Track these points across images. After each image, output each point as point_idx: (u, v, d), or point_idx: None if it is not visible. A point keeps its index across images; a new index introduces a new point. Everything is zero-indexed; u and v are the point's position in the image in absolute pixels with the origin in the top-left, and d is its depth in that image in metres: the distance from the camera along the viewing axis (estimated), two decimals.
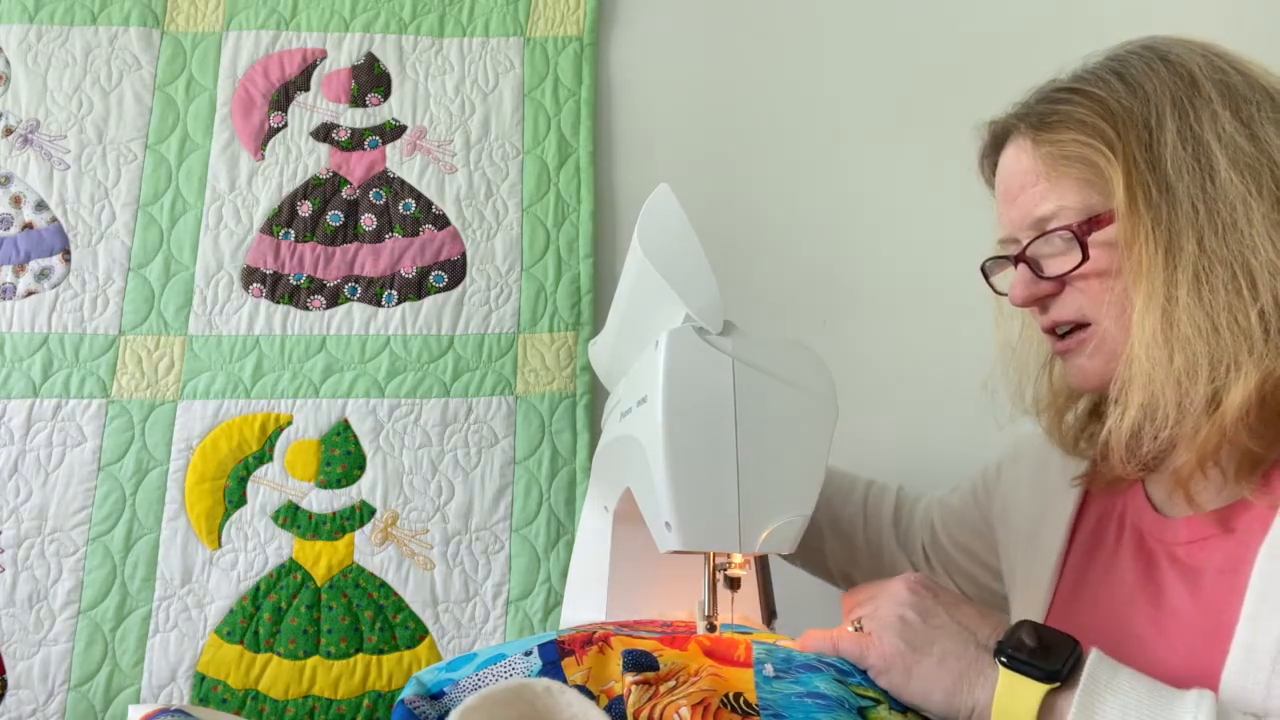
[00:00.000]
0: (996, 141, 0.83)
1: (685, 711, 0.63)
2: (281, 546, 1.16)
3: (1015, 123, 0.79)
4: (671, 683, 0.67)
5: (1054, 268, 0.75)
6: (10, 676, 1.10)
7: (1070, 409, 0.84)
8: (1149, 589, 0.75)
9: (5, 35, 1.27)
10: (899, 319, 1.29)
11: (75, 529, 1.14)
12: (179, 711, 0.78)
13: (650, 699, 0.65)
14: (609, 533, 0.92)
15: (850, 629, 0.72)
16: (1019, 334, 0.87)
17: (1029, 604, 0.85)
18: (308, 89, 1.29)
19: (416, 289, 1.24)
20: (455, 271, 1.25)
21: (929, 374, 1.28)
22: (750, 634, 0.76)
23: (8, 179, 1.24)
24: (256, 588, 1.14)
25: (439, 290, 1.24)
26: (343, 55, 1.30)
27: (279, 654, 1.12)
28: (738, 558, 0.72)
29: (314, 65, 1.30)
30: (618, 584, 0.90)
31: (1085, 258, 0.72)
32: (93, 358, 1.19)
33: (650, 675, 0.66)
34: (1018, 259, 0.78)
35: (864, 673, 0.71)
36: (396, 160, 1.27)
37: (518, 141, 1.29)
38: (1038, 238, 0.75)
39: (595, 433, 1.19)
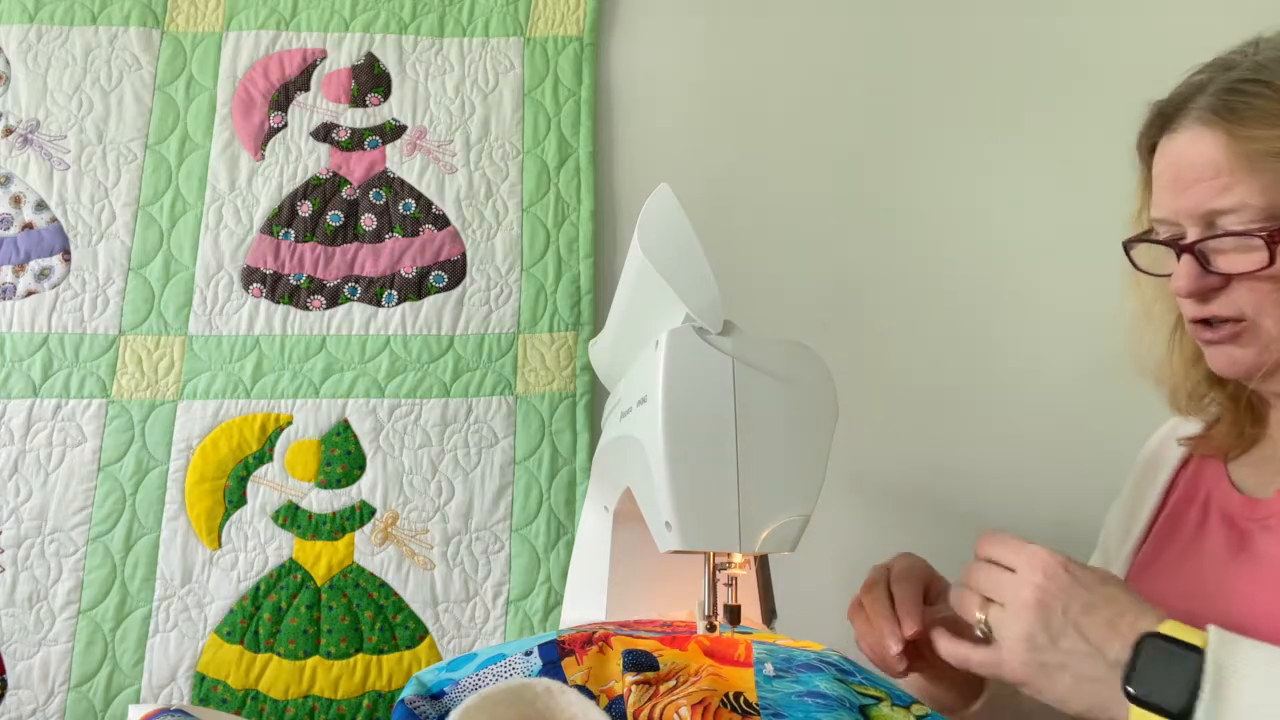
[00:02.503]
0: (1165, 122, 0.79)
1: (685, 711, 0.63)
2: (281, 546, 1.16)
3: (1200, 110, 0.75)
4: (671, 683, 0.67)
5: (1227, 265, 0.73)
6: (10, 676, 1.10)
7: (1190, 377, 0.86)
8: (1242, 556, 0.77)
9: (5, 35, 1.27)
10: (899, 319, 1.29)
11: (75, 529, 1.14)
12: (179, 711, 0.78)
13: (650, 699, 0.65)
14: (609, 533, 0.92)
15: (980, 627, 0.68)
16: (1149, 306, 0.87)
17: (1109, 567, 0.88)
18: (308, 89, 1.29)
19: (416, 289, 1.24)
20: (455, 271, 1.25)
21: (929, 374, 1.28)
22: (750, 634, 0.76)
23: (8, 179, 1.24)
24: (256, 588, 1.14)
25: (439, 290, 1.24)
26: (343, 55, 1.30)
27: (279, 654, 1.12)
28: (738, 558, 0.72)
29: (314, 65, 1.30)
30: (618, 584, 0.90)
31: (1272, 262, 0.71)
32: (93, 358, 1.19)
33: (650, 675, 0.66)
34: (1185, 250, 0.75)
35: (866, 671, 0.71)
36: (396, 160, 1.27)
37: (518, 141, 1.29)
38: (1214, 236, 0.73)
39: (595, 433, 1.19)
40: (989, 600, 0.68)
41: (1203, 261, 0.74)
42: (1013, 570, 0.67)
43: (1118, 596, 0.66)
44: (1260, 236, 0.70)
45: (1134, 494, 0.94)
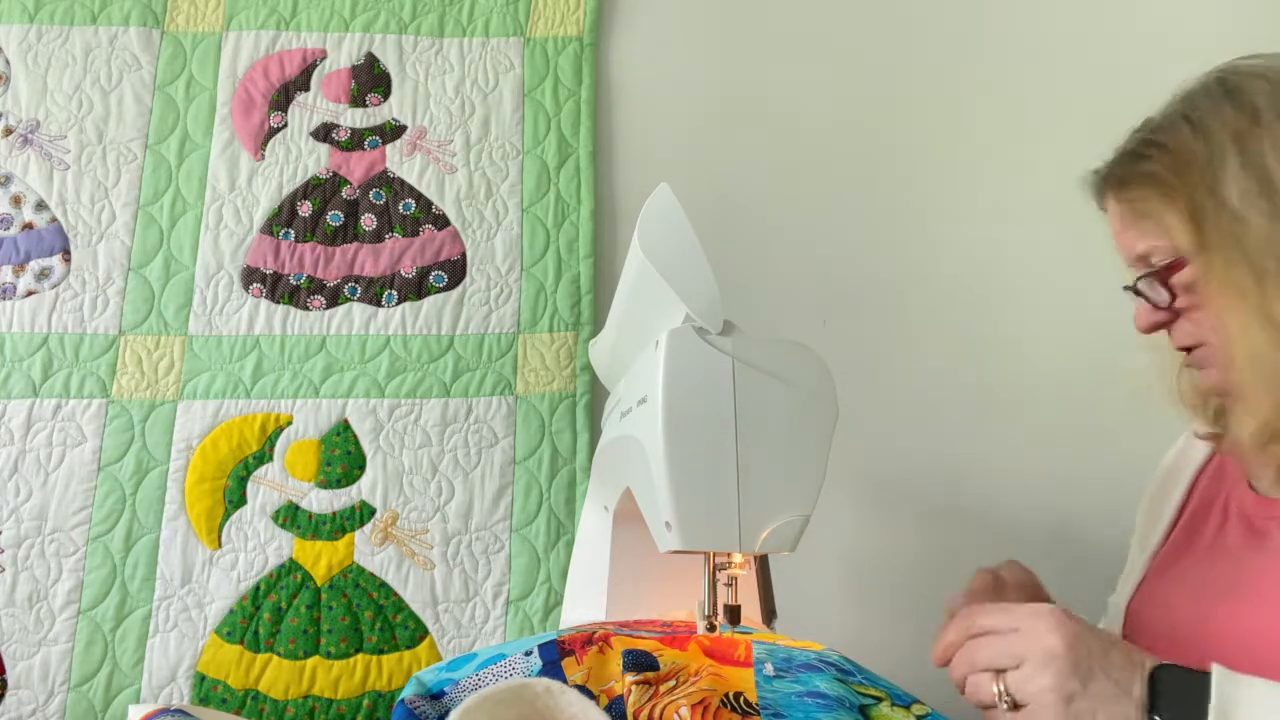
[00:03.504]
0: (1100, 190, 0.88)
1: (685, 711, 0.63)
2: (281, 546, 1.16)
3: (1100, 181, 0.86)
4: (671, 683, 0.67)
5: (1159, 299, 0.81)
6: (10, 676, 1.10)
7: (1206, 404, 0.90)
8: (1258, 553, 0.79)
9: (5, 35, 1.27)
10: (899, 319, 1.29)
11: (75, 529, 1.14)
12: (179, 711, 0.78)
13: (650, 699, 0.65)
14: (609, 533, 0.92)
15: (1001, 700, 0.66)
16: (1158, 347, 0.93)
17: (1126, 581, 0.91)
18: (308, 89, 1.29)
19: (416, 289, 1.24)
20: (455, 271, 1.25)
21: (929, 374, 1.28)
22: (750, 634, 0.76)
23: (8, 179, 1.24)
24: (256, 588, 1.14)
25: (439, 290, 1.24)
26: (343, 55, 1.30)
27: (279, 654, 1.12)
28: (738, 558, 0.72)
29: (314, 65, 1.30)
30: (618, 584, 0.90)
31: (1173, 297, 0.79)
32: (93, 358, 1.19)
33: (650, 675, 0.66)
34: (1133, 289, 0.83)
35: (866, 671, 0.71)
36: (396, 160, 1.27)
37: (518, 141, 1.29)
38: (1144, 275, 0.81)
39: (595, 433, 1.19)
40: (999, 672, 0.66)
41: (1149, 299, 0.81)
42: (1016, 630, 0.67)
43: (1116, 638, 0.68)
44: (1156, 278, 0.79)
45: (1154, 502, 0.96)
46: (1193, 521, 0.90)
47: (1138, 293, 0.83)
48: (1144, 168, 0.80)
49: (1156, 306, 0.81)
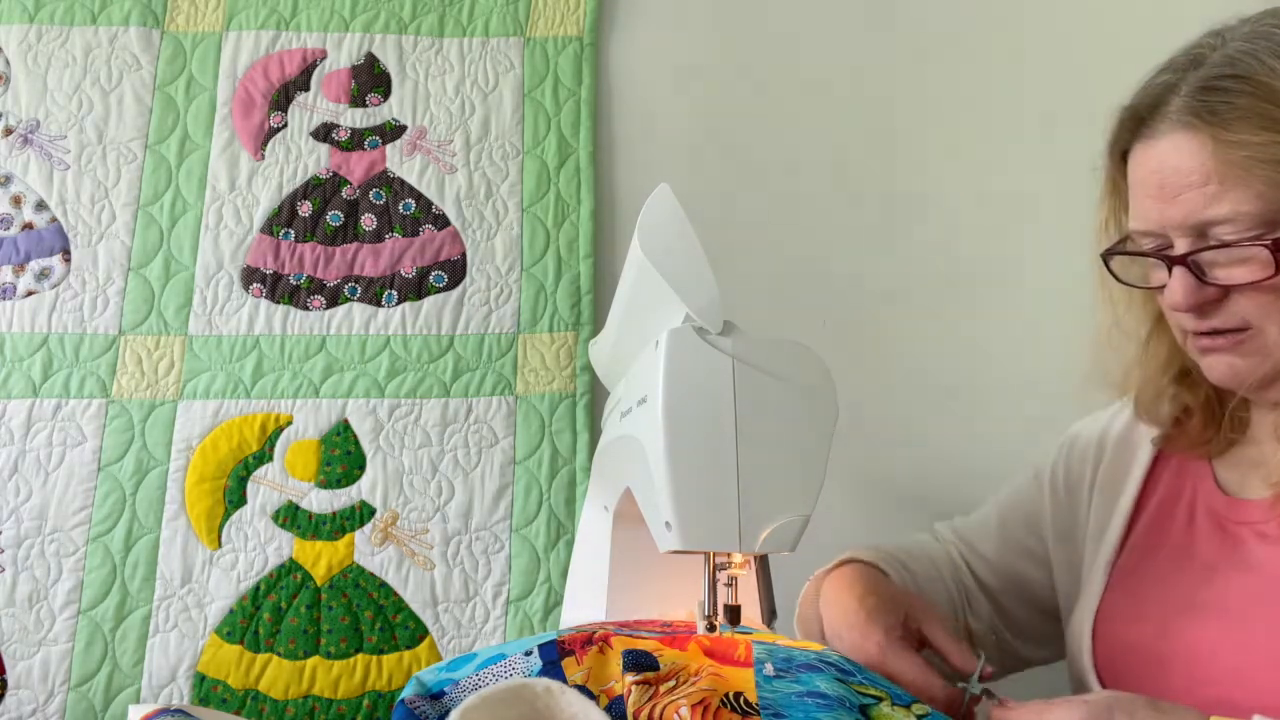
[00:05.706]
0: (1138, 127, 0.74)
1: (685, 711, 0.63)
2: (281, 546, 1.16)
3: (1178, 113, 0.71)
4: (671, 683, 0.67)
5: (1225, 276, 0.70)
6: (10, 676, 1.10)
7: (1158, 382, 0.83)
8: (1237, 565, 0.76)
9: (5, 35, 1.27)
10: (899, 319, 1.29)
11: (75, 529, 1.14)
12: (179, 711, 0.78)
13: (650, 699, 0.65)
14: (609, 533, 0.92)
15: None
16: (1120, 317, 0.84)
17: (1088, 587, 0.86)
18: (308, 89, 1.29)
19: (416, 289, 1.24)
20: (455, 271, 1.25)
21: (929, 374, 1.28)
22: (750, 634, 0.76)
23: (8, 179, 1.24)
24: (256, 588, 1.14)
25: (439, 290, 1.24)
26: (343, 55, 1.30)
27: (279, 654, 1.12)
28: (738, 558, 0.72)
29: (314, 65, 1.30)
30: (618, 584, 0.90)
31: (1277, 271, 0.67)
32: (93, 358, 1.19)
33: (650, 675, 0.66)
34: (1178, 262, 0.71)
35: (866, 671, 0.71)
36: (396, 160, 1.27)
37: (518, 141, 1.29)
38: (1209, 247, 0.70)
39: (595, 433, 1.19)
40: None
41: (1198, 273, 0.71)
42: None
43: (1155, 702, 0.65)
44: (1264, 246, 0.67)
45: (1102, 494, 0.90)
46: (1158, 517, 0.84)
47: (1181, 264, 0.71)
48: (1256, 108, 0.67)
49: (1205, 282, 0.70)
